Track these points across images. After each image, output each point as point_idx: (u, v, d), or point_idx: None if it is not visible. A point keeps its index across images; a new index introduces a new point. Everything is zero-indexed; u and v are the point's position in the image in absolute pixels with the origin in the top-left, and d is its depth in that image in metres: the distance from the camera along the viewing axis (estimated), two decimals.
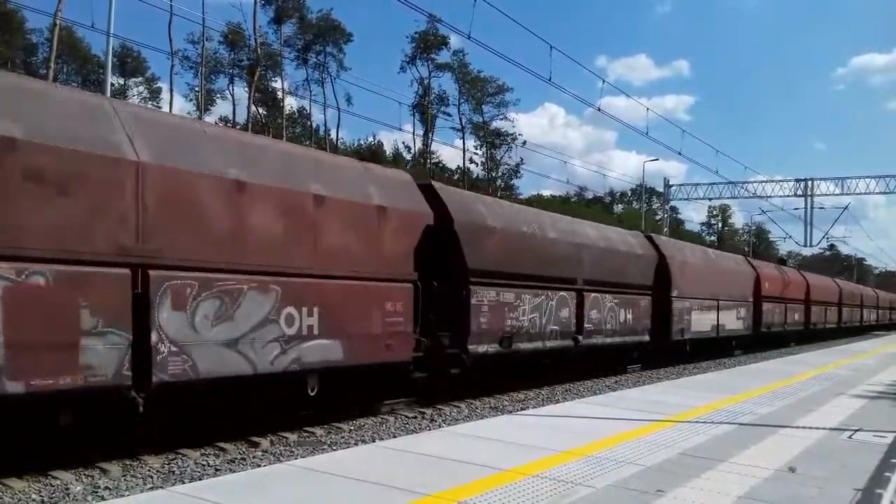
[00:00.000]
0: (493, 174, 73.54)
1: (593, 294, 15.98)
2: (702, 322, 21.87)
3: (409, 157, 69.23)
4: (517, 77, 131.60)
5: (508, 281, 12.92)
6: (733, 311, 24.93)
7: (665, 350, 19.88)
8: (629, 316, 17.70)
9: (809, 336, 34.77)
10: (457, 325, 11.82)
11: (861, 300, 48.13)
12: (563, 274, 14.83)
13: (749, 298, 26.44)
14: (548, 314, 14.15)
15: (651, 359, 19.64)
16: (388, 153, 70.44)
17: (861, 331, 47.21)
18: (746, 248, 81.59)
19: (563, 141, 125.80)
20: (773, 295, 28.84)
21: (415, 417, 10.81)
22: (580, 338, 15.30)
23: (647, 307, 18.58)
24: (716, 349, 23.78)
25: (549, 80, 19.90)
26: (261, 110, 62.08)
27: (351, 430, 9.71)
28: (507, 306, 12.86)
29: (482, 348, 12.22)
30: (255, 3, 56.33)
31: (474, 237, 11.98)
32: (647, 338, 18.62)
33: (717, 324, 23.20)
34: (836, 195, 43.74)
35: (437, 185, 12.12)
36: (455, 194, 12.74)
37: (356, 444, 8.57)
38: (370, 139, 71.84)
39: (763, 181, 46.24)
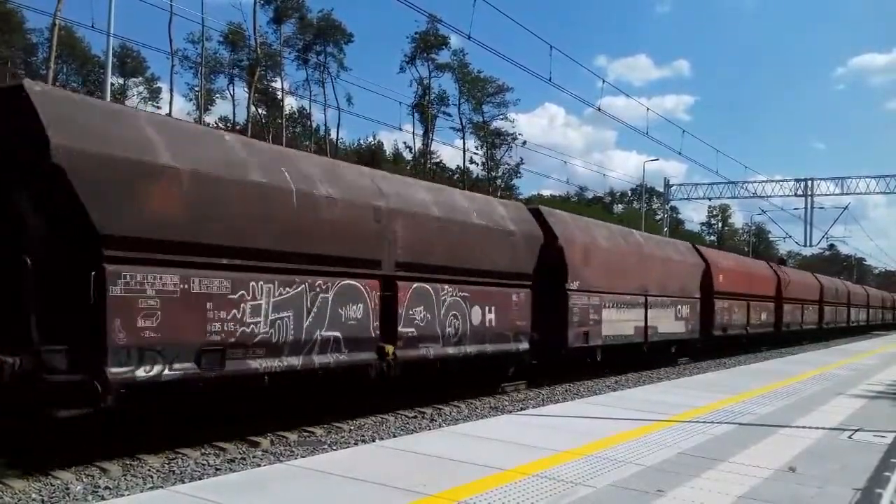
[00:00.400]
0: (494, 174, 73.62)
1: (417, 284, 10.91)
2: (620, 324, 16.99)
3: (409, 157, 69.43)
4: (517, 77, 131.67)
5: (217, 259, 8.00)
6: (670, 309, 19.86)
7: (561, 361, 15.24)
8: (491, 316, 12.58)
9: (782, 340, 30.78)
10: (81, 330, 6.86)
11: (848, 298, 44.84)
12: (353, 252, 9.81)
13: (695, 294, 21.58)
14: (317, 314, 9.17)
15: (539, 373, 14.78)
16: (388, 153, 70.58)
17: (846, 332, 43.85)
18: (746, 248, 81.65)
19: (563, 141, 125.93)
20: (730, 291, 24.27)
21: (415, 417, 10.81)
22: (392, 349, 10.27)
23: (524, 304, 13.48)
24: (647, 358, 18.98)
25: (549, 80, 19.92)
26: (260, 110, 62.15)
27: (351, 429, 9.71)
28: (213, 300, 7.86)
29: (146, 371, 7.17)
30: (255, 3, 56.43)
31: (119, 180, 7.03)
32: (525, 345, 13.45)
33: (646, 326, 18.35)
34: (836, 195, 43.89)
35: (30, 84, 7.09)
36: (74, 103, 7.55)
37: (356, 444, 8.58)
38: (370, 139, 72.07)
39: (763, 181, 46.35)
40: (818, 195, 43.69)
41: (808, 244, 46.58)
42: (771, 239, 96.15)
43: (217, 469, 7.40)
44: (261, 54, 56.65)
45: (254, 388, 8.66)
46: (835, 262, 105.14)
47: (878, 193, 45.50)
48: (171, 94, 56.62)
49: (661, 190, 52.13)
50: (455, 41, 68.86)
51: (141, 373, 7.20)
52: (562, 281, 14.74)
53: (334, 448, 8.37)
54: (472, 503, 4.89)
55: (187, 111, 58.03)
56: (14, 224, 6.80)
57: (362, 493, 5.11)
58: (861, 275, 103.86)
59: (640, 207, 64.25)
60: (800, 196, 43.73)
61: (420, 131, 67.65)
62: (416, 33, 65.02)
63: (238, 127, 53.65)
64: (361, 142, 71.30)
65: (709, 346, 23.03)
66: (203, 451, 8.09)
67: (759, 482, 5.66)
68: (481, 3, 15.39)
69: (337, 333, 9.50)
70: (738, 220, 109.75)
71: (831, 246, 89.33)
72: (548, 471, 5.77)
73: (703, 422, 8.38)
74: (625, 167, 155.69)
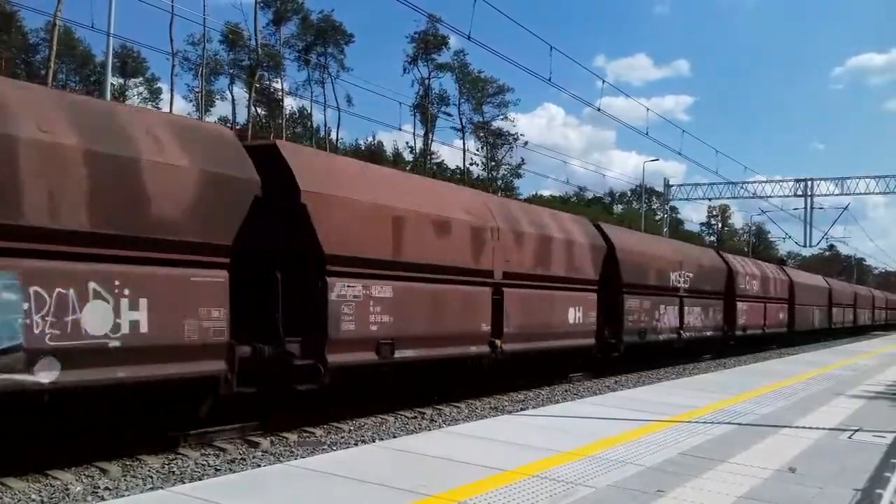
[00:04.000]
0: (494, 174, 73.67)
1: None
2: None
3: (410, 157, 69.46)
4: (517, 77, 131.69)
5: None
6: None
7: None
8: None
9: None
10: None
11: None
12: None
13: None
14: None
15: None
16: (388, 153, 70.62)
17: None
18: (746, 249, 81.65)
19: (562, 141, 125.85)
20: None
21: (415, 418, 10.81)
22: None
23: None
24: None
25: (549, 80, 19.89)
26: (260, 111, 62.16)
27: (351, 430, 9.71)
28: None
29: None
30: (255, 4, 56.44)
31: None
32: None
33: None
34: (836, 195, 43.83)
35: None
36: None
37: (356, 444, 8.57)
38: (369, 139, 72.13)
39: (763, 181, 46.34)
40: (818, 195, 43.73)
41: (807, 244, 46.60)
42: (771, 239, 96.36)
43: (217, 469, 7.40)
44: (261, 55, 56.65)
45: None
46: (835, 263, 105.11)
47: (877, 194, 45.49)
48: (172, 95, 56.67)
49: (661, 190, 52.12)
50: (455, 41, 69.00)
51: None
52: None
53: (334, 448, 8.37)
54: (472, 503, 4.89)
55: (187, 112, 58.09)
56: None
57: (362, 493, 5.11)
58: (860, 275, 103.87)
59: (640, 208, 64.26)
60: (799, 196, 43.76)
61: (420, 131, 67.80)
62: (415, 33, 65.13)
63: (238, 127, 53.65)
64: (361, 142, 71.46)
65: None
66: (203, 451, 8.09)
67: (759, 482, 5.66)
68: (481, 3, 15.37)
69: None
70: (737, 220, 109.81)
71: (831, 246, 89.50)
72: (548, 471, 5.77)
73: (703, 422, 8.38)
74: (624, 167, 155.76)
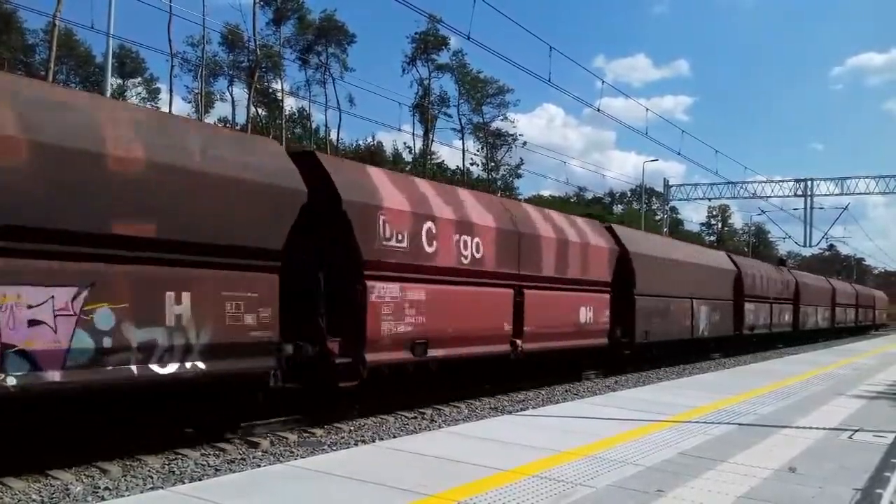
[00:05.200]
0: (494, 175, 73.64)
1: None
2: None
3: (409, 157, 69.44)
4: (516, 77, 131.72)
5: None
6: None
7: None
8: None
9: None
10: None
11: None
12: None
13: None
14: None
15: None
16: (388, 154, 70.59)
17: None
18: (746, 249, 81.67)
19: (562, 141, 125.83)
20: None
21: (415, 418, 10.81)
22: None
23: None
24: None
25: (549, 80, 19.90)
26: (260, 111, 62.13)
27: (351, 430, 9.71)
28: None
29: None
30: (255, 4, 56.41)
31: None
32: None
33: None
34: (836, 195, 43.82)
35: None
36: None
37: (356, 445, 8.58)
38: (369, 140, 72.07)
39: (762, 181, 46.31)
40: (817, 195, 43.72)
41: (807, 244, 46.60)
42: (771, 239, 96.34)
43: (217, 469, 7.40)
44: (261, 55, 56.62)
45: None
46: (834, 263, 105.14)
47: (877, 194, 45.68)
48: (171, 96, 56.79)
49: (661, 190, 52.11)
50: (455, 42, 68.86)
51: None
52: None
53: (334, 448, 8.37)
54: (471, 503, 4.89)
55: (186, 112, 58.06)
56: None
57: (362, 493, 5.11)
58: (860, 275, 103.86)
59: (640, 208, 64.27)
60: (799, 196, 43.73)
61: (420, 132, 67.76)
62: (416, 33, 65.05)
63: (238, 127, 53.65)
64: (360, 142, 71.39)
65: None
66: (203, 451, 8.10)
67: (759, 482, 5.67)
68: (481, 4, 15.36)
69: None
70: (737, 220, 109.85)
71: (831, 246, 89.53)
72: (547, 471, 5.78)
73: (703, 422, 8.38)
74: (624, 167, 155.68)
